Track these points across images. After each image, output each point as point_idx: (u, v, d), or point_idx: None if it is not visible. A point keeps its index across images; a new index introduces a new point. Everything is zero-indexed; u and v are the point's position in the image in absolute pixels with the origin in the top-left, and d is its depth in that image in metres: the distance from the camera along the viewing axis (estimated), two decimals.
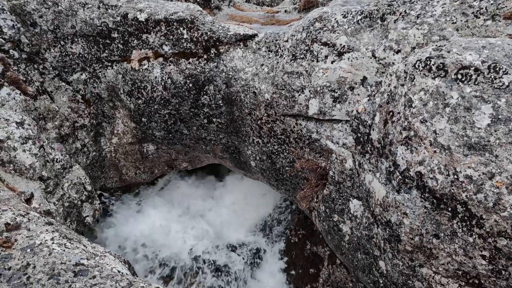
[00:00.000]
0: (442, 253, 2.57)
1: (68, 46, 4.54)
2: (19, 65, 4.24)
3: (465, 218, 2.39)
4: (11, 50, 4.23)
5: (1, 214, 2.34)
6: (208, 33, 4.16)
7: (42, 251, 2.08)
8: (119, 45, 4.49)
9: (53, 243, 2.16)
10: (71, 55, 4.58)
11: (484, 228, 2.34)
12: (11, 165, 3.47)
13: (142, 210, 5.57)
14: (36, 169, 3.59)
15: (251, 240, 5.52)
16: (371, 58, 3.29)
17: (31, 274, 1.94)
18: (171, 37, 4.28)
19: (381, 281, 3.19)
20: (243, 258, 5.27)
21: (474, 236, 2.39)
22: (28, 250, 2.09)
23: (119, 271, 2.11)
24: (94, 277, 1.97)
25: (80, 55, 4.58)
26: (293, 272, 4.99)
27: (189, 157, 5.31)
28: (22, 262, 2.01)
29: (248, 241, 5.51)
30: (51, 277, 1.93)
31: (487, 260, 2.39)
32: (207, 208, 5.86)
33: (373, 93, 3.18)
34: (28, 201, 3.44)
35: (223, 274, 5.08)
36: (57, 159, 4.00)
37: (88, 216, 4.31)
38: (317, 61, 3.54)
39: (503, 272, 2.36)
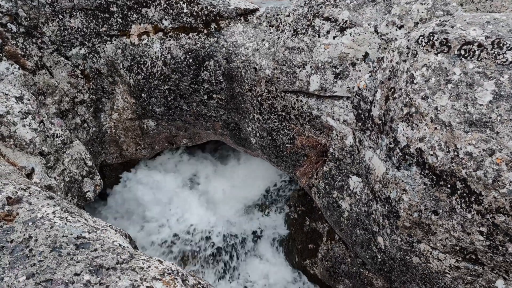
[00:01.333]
0: (440, 229, 2.60)
1: (66, 20, 4.48)
2: (17, 39, 4.19)
3: (464, 194, 2.41)
4: (8, 24, 4.18)
5: (2, 188, 2.35)
6: (209, 7, 4.10)
7: (44, 224, 2.10)
8: (118, 19, 4.43)
9: (54, 216, 2.17)
10: (69, 30, 4.52)
11: (482, 204, 2.35)
12: (11, 140, 3.47)
13: None
14: (36, 144, 3.59)
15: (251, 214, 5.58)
16: (373, 33, 3.25)
17: (33, 246, 1.97)
18: (171, 11, 4.22)
19: (379, 256, 3.23)
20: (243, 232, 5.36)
21: (472, 213, 2.41)
22: (30, 223, 2.11)
23: (120, 245, 2.13)
24: (95, 249, 2.00)
25: (79, 29, 4.53)
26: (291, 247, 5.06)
27: (189, 133, 5.31)
28: (24, 235, 2.03)
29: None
30: (53, 249, 1.95)
31: (484, 236, 2.42)
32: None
33: (375, 69, 3.15)
34: (29, 175, 3.45)
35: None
36: (57, 134, 4.00)
37: (89, 191, 4.33)
38: (319, 36, 3.50)
39: (500, 247, 2.39)
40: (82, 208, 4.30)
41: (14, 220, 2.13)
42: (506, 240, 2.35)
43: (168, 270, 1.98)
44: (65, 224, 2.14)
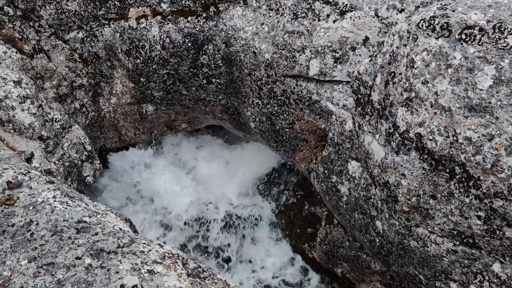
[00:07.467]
0: (438, 214, 2.62)
1: (63, 3, 4.43)
2: (14, 23, 4.15)
3: (463, 179, 2.42)
4: (5, 7, 4.13)
5: (3, 172, 2.36)
6: None
7: (45, 208, 2.11)
8: (116, 2, 4.38)
9: (55, 201, 2.18)
10: (67, 13, 4.47)
11: (481, 189, 2.37)
12: (10, 124, 3.47)
13: None
14: (35, 129, 3.59)
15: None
16: (373, 17, 3.23)
17: (35, 230, 1.98)
18: None
19: (377, 240, 3.26)
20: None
21: (470, 197, 2.42)
22: (31, 207, 2.12)
23: (121, 229, 2.15)
24: (96, 233, 2.01)
25: (76, 12, 4.48)
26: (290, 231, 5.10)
27: (188, 118, 5.30)
28: (25, 219, 2.04)
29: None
30: (54, 233, 1.97)
31: (482, 220, 2.44)
32: None
33: (375, 53, 3.14)
34: (29, 160, 3.46)
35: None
36: (56, 118, 3.99)
37: (88, 175, 4.34)
38: (319, 20, 3.47)
39: (497, 232, 2.41)
40: (82, 192, 4.32)
41: (15, 204, 2.14)
42: (503, 224, 2.37)
43: (168, 253, 2.00)
44: (66, 208, 2.15)
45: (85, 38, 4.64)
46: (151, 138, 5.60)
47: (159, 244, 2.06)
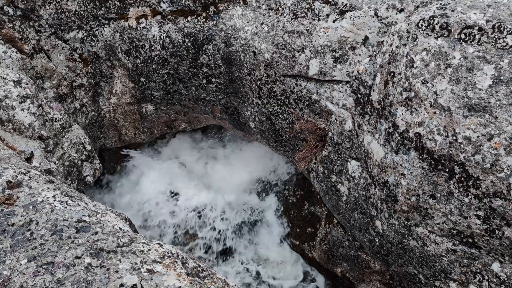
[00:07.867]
0: (438, 213, 2.62)
1: (63, 3, 4.43)
2: (14, 22, 4.15)
3: (462, 179, 2.42)
4: (5, 7, 4.13)
5: (2, 172, 2.36)
6: None
7: (44, 208, 2.11)
8: (116, 2, 4.38)
9: (54, 200, 2.19)
10: (67, 12, 4.47)
11: (480, 188, 2.37)
12: (10, 124, 3.47)
13: None
14: (35, 128, 3.59)
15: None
16: (373, 17, 3.23)
17: (34, 230, 1.98)
18: None
19: (377, 240, 3.26)
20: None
21: (470, 197, 2.43)
22: (31, 207, 2.12)
23: (120, 228, 2.15)
24: (96, 233, 2.02)
25: (76, 12, 4.48)
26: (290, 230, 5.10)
27: (188, 117, 5.30)
28: (25, 218, 2.05)
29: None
30: (54, 233, 1.97)
31: (481, 220, 2.44)
32: None
33: (375, 53, 3.14)
34: (29, 160, 3.46)
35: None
36: (56, 118, 3.99)
37: (88, 175, 4.35)
38: (319, 20, 3.47)
39: (497, 231, 2.41)
40: (82, 192, 4.32)
41: (14, 204, 2.14)
42: (502, 224, 2.37)
43: (168, 253, 2.00)
44: (66, 207, 2.15)
45: (85, 38, 4.64)
46: (151, 137, 5.61)
47: (159, 244, 2.06)
